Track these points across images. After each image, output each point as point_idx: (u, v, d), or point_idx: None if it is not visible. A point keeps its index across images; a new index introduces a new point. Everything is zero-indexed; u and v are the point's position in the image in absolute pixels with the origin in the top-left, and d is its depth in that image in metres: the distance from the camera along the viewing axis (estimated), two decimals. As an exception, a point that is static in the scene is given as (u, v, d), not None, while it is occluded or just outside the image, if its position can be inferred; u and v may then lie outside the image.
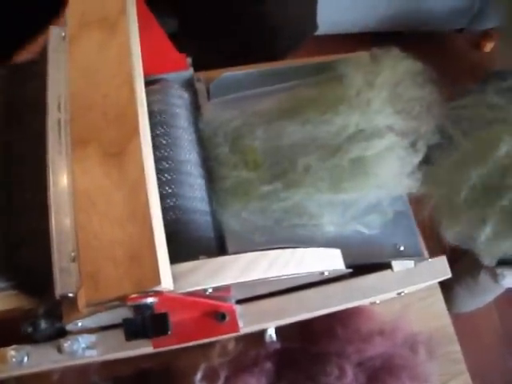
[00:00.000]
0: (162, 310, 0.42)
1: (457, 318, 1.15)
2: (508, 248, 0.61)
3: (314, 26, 0.86)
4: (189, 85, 0.63)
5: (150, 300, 0.39)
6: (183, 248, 0.48)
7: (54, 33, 0.52)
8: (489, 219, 0.60)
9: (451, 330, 0.69)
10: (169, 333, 0.39)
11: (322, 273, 0.51)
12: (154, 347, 0.52)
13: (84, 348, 0.53)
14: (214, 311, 0.52)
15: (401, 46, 1.47)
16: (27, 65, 0.55)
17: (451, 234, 0.62)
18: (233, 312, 0.53)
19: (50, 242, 0.43)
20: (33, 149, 0.49)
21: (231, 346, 0.59)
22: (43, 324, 0.52)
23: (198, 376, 0.57)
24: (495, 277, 1.15)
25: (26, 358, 0.53)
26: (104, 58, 0.46)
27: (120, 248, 0.39)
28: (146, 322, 0.38)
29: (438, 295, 0.70)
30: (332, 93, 0.62)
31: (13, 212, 0.48)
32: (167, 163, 0.53)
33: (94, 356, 0.54)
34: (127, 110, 0.43)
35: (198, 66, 0.65)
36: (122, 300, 0.39)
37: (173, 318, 0.44)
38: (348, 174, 0.56)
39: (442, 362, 0.66)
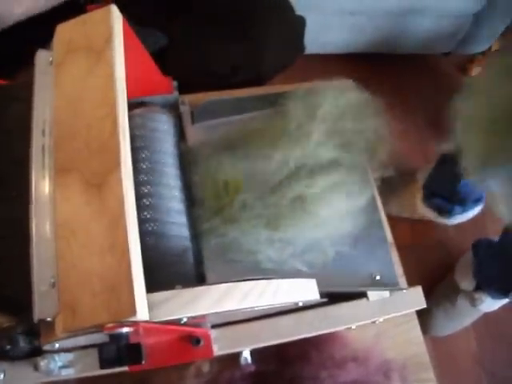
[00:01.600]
0: (137, 336, 0.43)
1: (433, 342, 1.17)
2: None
3: (302, 48, 0.87)
4: (173, 108, 0.64)
5: (125, 330, 0.40)
6: (160, 274, 0.49)
7: (41, 56, 0.53)
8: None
9: (426, 357, 0.70)
10: (143, 362, 0.40)
11: (297, 303, 0.52)
12: (130, 370, 0.53)
13: (61, 366, 0.54)
14: (188, 335, 0.53)
15: (387, 68, 1.50)
16: (12, 86, 0.55)
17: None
18: (207, 337, 0.53)
19: (30, 267, 0.44)
20: (15, 172, 0.50)
21: (206, 368, 0.60)
22: (21, 341, 0.52)
23: (173, 398, 0.58)
24: (473, 301, 1.17)
25: (2, 375, 0.53)
26: (89, 87, 0.47)
27: (98, 278, 0.40)
28: (121, 352, 0.39)
29: (414, 321, 0.71)
30: (273, 127, 0.61)
31: None
32: (146, 188, 0.54)
33: (70, 374, 0.55)
34: (109, 143, 0.44)
35: (184, 86, 0.65)
36: (98, 328, 0.40)
37: (147, 342, 0.45)
38: (287, 213, 0.56)
39: (415, 389, 0.67)
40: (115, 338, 0.40)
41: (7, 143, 0.52)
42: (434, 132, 1.45)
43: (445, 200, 1.23)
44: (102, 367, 0.40)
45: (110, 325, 0.39)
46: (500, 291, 1.12)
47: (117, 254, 0.40)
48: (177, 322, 0.45)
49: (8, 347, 0.52)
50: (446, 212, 1.26)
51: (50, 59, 0.51)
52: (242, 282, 0.46)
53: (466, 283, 1.19)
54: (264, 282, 0.48)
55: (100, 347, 0.40)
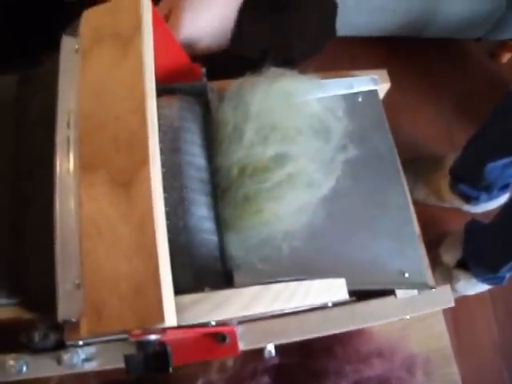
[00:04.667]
0: (163, 339, 0.42)
1: (455, 333, 1.16)
2: None
3: (333, 32, 0.84)
4: (201, 95, 0.62)
5: (152, 337, 0.39)
6: (188, 274, 0.48)
7: (67, 43, 0.51)
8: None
9: (450, 350, 0.69)
10: (170, 370, 0.39)
11: (326, 304, 0.51)
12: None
13: (83, 360, 0.54)
14: (214, 333, 0.52)
15: (414, 53, 1.46)
16: (38, 74, 0.54)
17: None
18: (234, 334, 0.53)
19: (55, 266, 0.43)
20: (40, 165, 0.48)
21: (230, 362, 0.60)
22: (43, 336, 0.52)
23: (197, 391, 0.58)
24: (450, 278, 1.16)
25: (24, 368, 0.53)
26: (117, 78, 0.45)
27: (125, 281, 0.39)
28: (148, 360, 0.38)
29: (439, 316, 0.70)
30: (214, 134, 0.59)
31: (20, 231, 0.47)
32: (176, 181, 0.52)
33: (93, 367, 0.55)
34: (138, 138, 0.42)
35: (213, 73, 0.63)
36: (124, 333, 0.39)
37: (172, 339, 0.44)
38: (238, 213, 0.55)
39: (439, 383, 0.66)
40: (142, 345, 0.39)
41: (31, 135, 0.51)
42: (461, 118, 1.41)
43: (471, 187, 1.21)
44: (130, 374, 0.39)
45: (136, 331, 0.39)
46: (489, 267, 1.09)
47: (145, 256, 0.39)
48: (204, 325, 0.44)
49: (30, 340, 0.52)
50: (473, 199, 1.24)
51: (76, 46, 0.49)
52: (273, 284, 0.45)
53: (449, 257, 1.18)
54: (294, 283, 0.46)
55: (126, 356, 0.39)
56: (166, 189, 0.44)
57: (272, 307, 0.45)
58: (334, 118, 0.63)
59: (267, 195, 0.55)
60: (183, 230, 0.49)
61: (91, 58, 0.47)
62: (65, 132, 0.47)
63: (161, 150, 0.43)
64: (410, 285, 0.59)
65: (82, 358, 0.53)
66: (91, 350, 0.54)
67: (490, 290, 1.21)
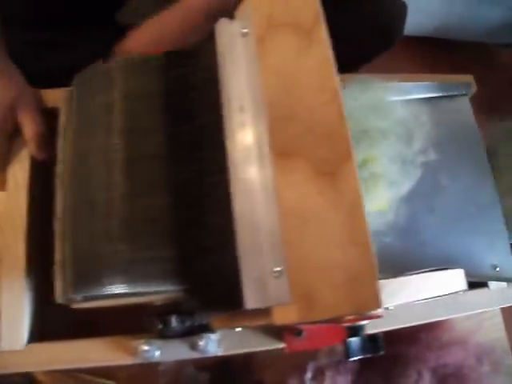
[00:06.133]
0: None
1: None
2: None
3: (400, 32, 0.87)
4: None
5: (364, 322, 0.40)
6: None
7: (225, 26, 0.50)
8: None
9: (506, 343, 0.75)
10: (381, 352, 0.41)
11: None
12: (289, 350, 0.54)
13: (215, 346, 0.54)
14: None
15: (444, 54, 1.50)
16: (185, 53, 0.53)
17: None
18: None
19: (239, 255, 0.43)
20: (202, 149, 0.48)
21: (338, 347, 0.62)
22: (179, 322, 0.52)
23: (309, 375, 0.59)
24: None
25: (157, 353, 0.53)
26: (303, 69, 0.45)
27: (339, 270, 0.40)
28: (363, 343, 0.40)
29: (496, 309, 0.76)
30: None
31: (202, 216, 0.46)
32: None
33: (219, 353, 0.55)
34: (337, 130, 0.43)
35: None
36: (336, 320, 0.40)
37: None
38: None
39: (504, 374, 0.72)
40: (352, 330, 0.40)
41: (191, 111, 0.50)
42: (484, 120, 1.48)
43: None
44: (349, 358, 0.40)
45: (349, 318, 0.40)
46: None
47: (358, 245, 0.40)
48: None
49: (169, 326, 0.52)
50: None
51: (244, 30, 0.48)
52: (440, 272, 0.48)
53: None
54: (452, 271, 0.49)
55: (346, 341, 0.40)
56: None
57: (435, 294, 0.48)
58: (419, 122, 0.66)
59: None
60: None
61: (268, 45, 0.47)
62: (238, 116, 0.47)
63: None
64: (501, 278, 0.64)
65: (214, 343, 0.54)
66: (218, 336, 0.55)
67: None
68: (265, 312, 0.43)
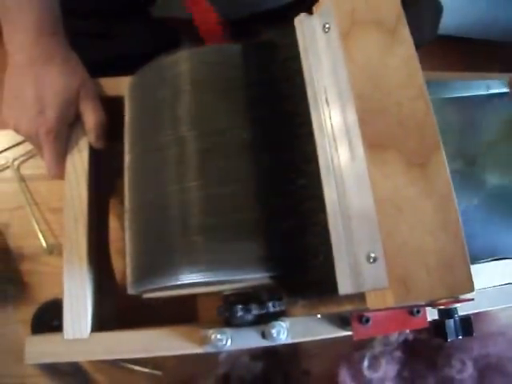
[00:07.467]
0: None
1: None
2: None
3: (435, 33, 0.89)
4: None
5: (456, 305, 0.42)
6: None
7: (305, 20, 0.52)
8: None
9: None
10: (474, 335, 0.43)
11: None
12: (356, 337, 0.55)
13: (286, 334, 0.56)
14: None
15: (460, 51, 1.53)
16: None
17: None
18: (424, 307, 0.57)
19: (337, 240, 0.45)
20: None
21: (393, 336, 0.64)
22: (245, 311, 0.53)
23: (366, 363, 0.61)
24: None
25: (229, 341, 0.54)
26: (389, 66, 0.47)
27: (432, 256, 0.42)
28: (457, 325, 0.42)
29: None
30: None
31: (291, 204, 0.48)
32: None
33: (288, 341, 0.57)
34: (426, 124, 0.45)
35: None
36: (430, 303, 0.42)
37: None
38: None
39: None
40: (445, 313, 0.42)
41: (275, 102, 0.52)
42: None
43: None
44: (445, 339, 0.42)
45: (443, 300, 0.42)
46: None
47: (450, 232, 0.42)
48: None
49: (235, 315, 0.53)
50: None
51: (327, 25, 0.50)
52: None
53: None
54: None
55: (440, 323, 0.43)
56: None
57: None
58: (465, 119, 0.69)
59: None
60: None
61: (353, 41, 0.48)
62: (325, 108, 0.48)
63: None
64: None
65: (285, 331, 0.55)
66: (287, 324, 0.57)
67: None
68: (356, 297, 0.45)
